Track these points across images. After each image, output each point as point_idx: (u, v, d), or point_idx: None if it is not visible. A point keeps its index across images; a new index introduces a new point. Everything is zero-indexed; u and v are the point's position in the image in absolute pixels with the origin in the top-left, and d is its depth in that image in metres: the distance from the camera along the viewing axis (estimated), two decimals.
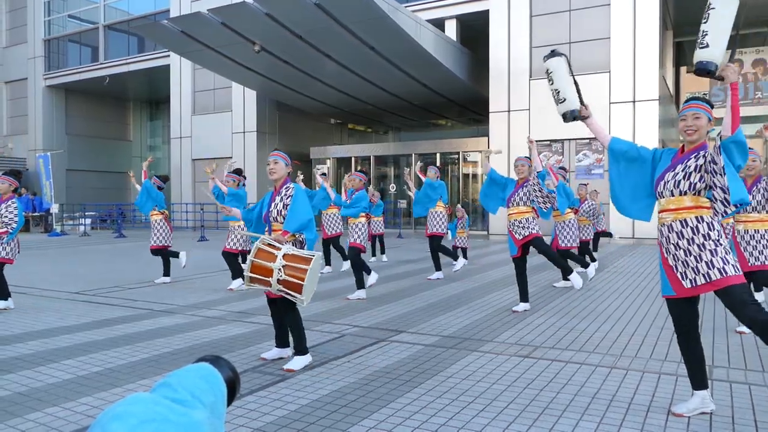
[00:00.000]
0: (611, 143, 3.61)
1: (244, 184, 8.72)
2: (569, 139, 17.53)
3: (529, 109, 17.84)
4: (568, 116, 3.68)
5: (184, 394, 0.83)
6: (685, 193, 3.24)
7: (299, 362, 4.36)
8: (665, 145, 18.73)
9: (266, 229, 4.69)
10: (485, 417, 3.38)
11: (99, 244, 17.16)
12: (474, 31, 19.40)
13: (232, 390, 0.93)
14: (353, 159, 22.79)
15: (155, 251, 8.87)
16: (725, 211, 3.08)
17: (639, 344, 5.03)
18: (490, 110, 18.42)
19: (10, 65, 29.41)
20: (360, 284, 7.43)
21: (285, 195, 4.56)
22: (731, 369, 4.29)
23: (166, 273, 8.94)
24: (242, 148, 23.14)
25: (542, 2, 17.67)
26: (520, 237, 6.43)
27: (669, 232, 3.30)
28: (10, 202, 6.68)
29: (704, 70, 3.02)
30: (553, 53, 3.76)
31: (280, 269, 4.14)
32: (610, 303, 7.03)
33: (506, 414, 3.42)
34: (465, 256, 11.21)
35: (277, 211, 4.56)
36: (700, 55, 3.03)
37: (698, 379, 3.36)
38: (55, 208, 21.77)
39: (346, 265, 9.70)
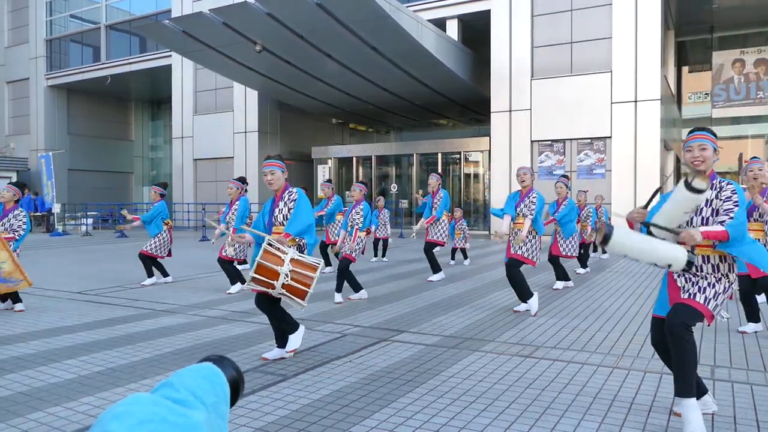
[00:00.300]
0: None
1: (246, 191, 8.55)
2: (570, 139, 17.52)
3: (530, 109, 17.84)
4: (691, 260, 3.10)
5: (185, 394, 0.83)
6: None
7: (295, 339, 4.53)
8: (667, 146, 18.73)
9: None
10: (487, 417, 3.38)
11: (100, 244, 17.18)
12: (475, 31, 19.41)
13: (236, 390, 0.93)
14: (354, 159, 22.79)
15: (144, 257, 8.75)
16: None
17: (641, 344, 5.02)
18: (491, 110, 18.42)
19: (12, 65, 29.45)
20: (356, 288, 7.36)
21: (288, 200, 4.59)
22: (733, 369, 4.29)
23: (164, 274, 8.92)
24: (243, 148, 23.16)
25: (544, 2, 17.67)
26: (512, 252, 6.42)
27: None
28: (17, 211, 6.80)
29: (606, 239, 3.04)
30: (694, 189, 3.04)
31: (287, 274, 4.16)
32: (612, 303, 7.03)
33: (508, 414, 3.42)
34: (465, 257, 11.21)
35: (283, 215, 4.59)
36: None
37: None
38: (56, 208, 21.80)
39: None
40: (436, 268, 8.95)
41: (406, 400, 3.64)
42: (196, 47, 17.31)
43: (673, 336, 3.07)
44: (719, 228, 3.00)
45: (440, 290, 8.01)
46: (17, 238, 6.68)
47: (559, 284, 8.14)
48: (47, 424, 3.32)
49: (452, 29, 19.30)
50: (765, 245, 5.41)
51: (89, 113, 29.51)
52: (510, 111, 18.10)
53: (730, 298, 3.27)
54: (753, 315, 5.46)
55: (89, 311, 6.69)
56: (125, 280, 9.16)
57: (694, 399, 3.07)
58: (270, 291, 4.24)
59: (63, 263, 11.97)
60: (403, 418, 3.37)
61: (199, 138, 24.32)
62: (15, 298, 6.75)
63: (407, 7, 17.32)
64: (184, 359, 4.62)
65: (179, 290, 8.21)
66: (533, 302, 6.30)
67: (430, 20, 17.84)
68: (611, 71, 16.76)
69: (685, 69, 26.87)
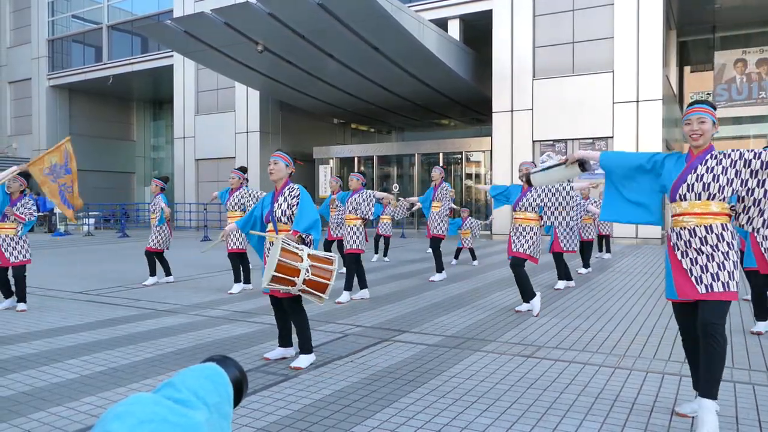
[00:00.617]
0: (602, 161, 3.58)
1: (247, 179, 8.61)
2: (572, 139, 17.51)
3: (532, 109, 17.83)
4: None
5: (186, 394, 0.83)
6: (713, 198, 3.15)
7: (305, 360, 4.43)
8: (669, 146, 18.71)
9: (268, 229, 4.69)
10: (488, 417, 3.37)
11: (102, 244, 17.20)
12: (477, 31, 19.40)
13: (240, 390, 0.93)
14: (356, 159, 22.79)
15: (150, 253, 8.83)
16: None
17: (642, 344, 5.02)
18: (493, 110, 18.41)
19: (14, 65, 29.50)
20: (363, 284, 7.43)
21: (289, 196, 4.58)
22: (735, 369, 4.28)
23: (167, 273, 8.95)
24: (245, 148, 23.18)
25: (545, 2, 17.65)
26: (514, 249, 6.40)
27: (691, 236, 3.20)
28: (25, 200, 6.86)
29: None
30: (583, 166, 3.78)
31: (307, 269, 4.18)
32: (614, 303, 7.02)
33: (509, 414, 3.42)
34: (474, 257, 11.20)
35: (282, 212, 4.57)
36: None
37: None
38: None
39: None
40: (439, 267, 8.97)
41: (407, 400, 3.64)
42: (197, 47, 17.32)
43: (707, 340, 3.08)
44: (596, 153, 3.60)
45: (442, 290, 8.01)
46: (27, 221, 6.75)
47: (561, 284, 8.13)
48: (49, 424, 3.32)
49: (454, 29, 19.30)
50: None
51: (91, 113, 29.55)
52: (512, 111, 18.09)
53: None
54: (763, 313, 5.41)
55: (91, 311, 6.70)
56: (127, 280, 9.17)
57: (715, 402, 3.07)
58: (290, 288, 4.23)
59: (65, 263, 11.98)
60: (404, 418, 3.37)
61: (200, 138, 24.34)
62: (21, 297, 6.76)
63: (409, 6, 17.31)
64: (186, 359, 4.63)
65: (181, 290, 8.21)
66: (536, 302, 6.29)
67: (431, 20, 17.83)
68: (613, 71, 16.75)
69: (687, 69, 26.84)
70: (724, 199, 3.17)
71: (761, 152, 3.11)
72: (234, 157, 23.39)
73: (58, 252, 14.69)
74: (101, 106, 29.92)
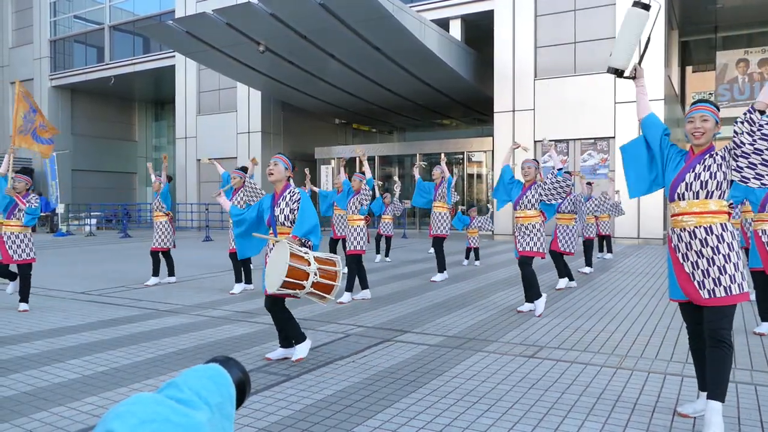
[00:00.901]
0: (648, 116, 3.51)
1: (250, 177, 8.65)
2: (574, 139, 17.50)
3: (533, 109, 17.82)
4: (610, 71, 3.65)
5: (189, 394, 0.83)
6: (711, 196, 3.15)
7: (303, 349, 4.52)
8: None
9: (270, 232, 4.70)
10: (490, 417, 3.37)
11: (104, 244, 17.22)
12: (479, 31, 19.39)
13: (242, 391, 0.93)
14: (357, 159, 22.78)
15: (155, 253, 8.84)
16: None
17: (644, 344, 5.01)
18: (494, 110, 18.40)
19: (16, 66, 29.54)
20: (364, 284, 7.43)
21: (291, 200, 4.59)
22: (737, 369, 4.27)
23: (171, 273, 8.96)
24: (247, 148, 23.18)
25: (547, 2, 17.64)
26: (521, 249, 6.39)
27: (691, 238, 3.18)
28: (31, 196, 6.93)
29: (610, 73, 3.64)
30: (642, 4, 3.56)
31: (315, 272, 4.22)
32: (616, 303, 7.01)
33: (511, 414, 3.42)
34: (477, 257, 11.19)
35: (284, 216, 4.58)
36: (607, 62, 3.67)
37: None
38: (60, 208, 21.86)
39: None
40: (442, 267, 8.96)
41: (409, 401, 3.64)
42: (199, 48, 17.34)
43: (714, 344, 3.08)
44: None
45: (443, 290, 8.01)
46: (28, 207, 6.79)
47: (562, 283, 8.12)
48: (51, 424, 3.33)
49: (455, 29, 19.29)
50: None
51: (93, 114, 29.59)
52: (513, 111, 18.08)
53: None
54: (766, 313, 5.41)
55: (93, 311, 6.70)
56: (129, 280, 9.18)
57: (722, 403, 3.07)
58: (298, 292, 4.26)
59: (67, 263, 12.00)
60: (406, 418, 3.36)
61: (202, 138, 24.35)
62: (24, 297, 6.77)
63: (410, 7, 17.31)
64: (187, 359, 4.63)
65: (183, 290, 8.22)
66: (540, 303, 6.29)
67: (433, 20, 17.83)
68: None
69: (688, 69, 26.80)
70: (722, 195, 3.17)
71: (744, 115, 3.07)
72: (236, 158, 23.39)
73: (60, 252, 14.71)
74: (103, 107, 29.95)
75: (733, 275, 3.11)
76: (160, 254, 8.83)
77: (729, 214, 3.22)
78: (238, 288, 7.99)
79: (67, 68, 28.21)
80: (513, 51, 18.00)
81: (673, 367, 4.31)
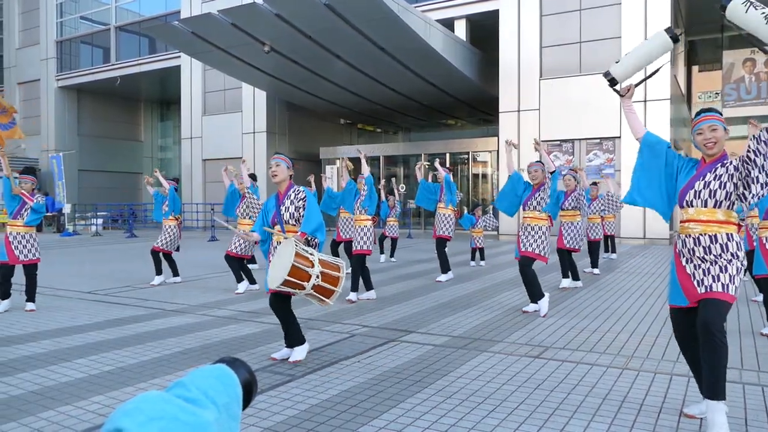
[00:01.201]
0: (646, 135, 3.50)
1: (256, 186, 8.70)
2: (579, 139, 17.45)
3: (539, 109, 17.78)
4: (606, 75, 3.66)
5: (196, 394, 0.84)
6: (719, 205, 3.15)
7: (301, 352, 4.53)
8: (677, 146, 18.60)
9: (276, 229, 4.70)
10: (495, 418, 3.37)
11: (110, 244, 17.29)
12: (484, 31, 19.37)
13: (249, 392, 0.93)
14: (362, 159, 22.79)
15: (155, 253, 8.81)
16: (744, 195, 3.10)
17: (650, 345, 4.99)
18: (499, 110, 18.38)
19: (23, 66, 29.70)
20: (368, 285, 7.42)
21: (296, 198, 4.60)
22: (744, 371, 4.25)
23: (175, 273, 8.99)
24: (252, 148, 23.23)
25: (552, 2, 17.60)
26: (524, 249, 6.37)
27: (695, 245, 3.19)
28: (38, 196, 7.01)
29: (604, 77, 3.68)
30: (671, 34, 3.53)
31: (318, 275, 4.22)
32: (621, 303, 6.99)
33: (516, 415, 3.41)
34: (483, 257, 11.18)
35: (289, 214, 4.60)
36: (610, 67, 3.66)
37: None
38: (67, 208, 21.95)
39: None
40: (445, 267, 8.94)
41: (414, 401, 3.64)
42: (204, 48, 17.39)
43: (707, 338, 3.05)
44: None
45: (449, 290, 8.00)
46: (35, 203, 6.83)
47: (566, 282, 8.10)
48: (58, 423, 3.34)
49: (460, 29, 19.28)
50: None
51: (99, 114, 29.71)
52: (518, 111, 18.05)
53: None
54: None
55: (99, 311, 6.73)
56: (135, 280, 9.21)
57: (723, 402, 3.05)
58: (297, 291, 4.26)
59: (73, 263, 12.05)
60: (411, 418, 3.36)
61: (208, 139, 24.42)
62: (30, 296, 6.80)
63: (415, 7, 17.31)
64: (193, 359, 4.65)
65: (188, 290, 8.24)
66: (543, 303, 6.27)
67: (438, 20, 17.82)
68: None
69: (695, 68, 26.68)
70: (731, 206, 3.16)
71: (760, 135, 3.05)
72: (241, 158, 23.44)
73: (67, 252, 14.77)
74: (109, 107, 30.08)
75: (733, 277, 3.12)
76: (160, 254, 8.84)
77: (738, 225, 3.21)
78: (243, 287, 8.01)
79: (73, 69, 28.34)
80: (518, 51, 17.98)
81: (679, 368, 4.30)
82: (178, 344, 5.12)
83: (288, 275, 4.14)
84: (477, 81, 18.96)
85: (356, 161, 8.63)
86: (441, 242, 9.02)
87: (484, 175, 21.41)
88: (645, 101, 16.41)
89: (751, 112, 23.46)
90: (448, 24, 18.75)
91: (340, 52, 16.77)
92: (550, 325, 5.77)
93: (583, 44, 17.32)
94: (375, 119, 26.48)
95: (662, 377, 4.09)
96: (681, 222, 3.30)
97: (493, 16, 18.50)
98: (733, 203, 3.17)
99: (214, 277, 9.56)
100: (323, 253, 4.49)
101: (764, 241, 5.29)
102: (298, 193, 4.63)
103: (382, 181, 13.47)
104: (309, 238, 4.52)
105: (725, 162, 3.20)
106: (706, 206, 3.18)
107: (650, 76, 3.76)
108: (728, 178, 3.14)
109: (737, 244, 3.17)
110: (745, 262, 3.26)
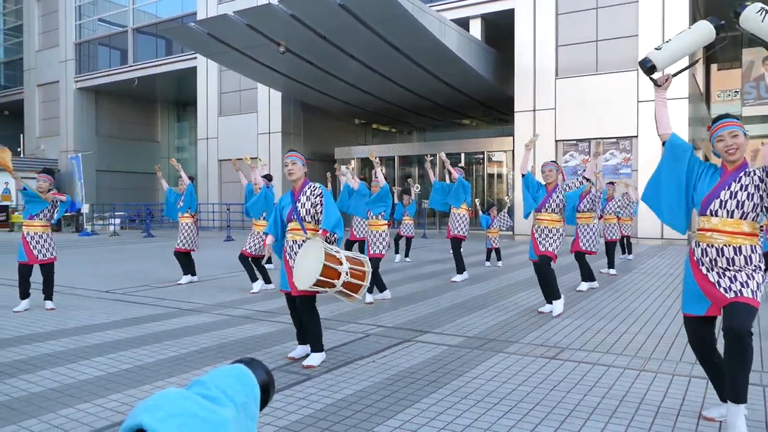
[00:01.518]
0: (672, 137, 3.35)
1: (271, 186, 8.74)
2: (596, 138, 17.32)
3: (555, 109, 17.67)
4: (645, 62, 3.39)
5: (215, 392, 0.85)
6: (745, 217, 3.08)
7: (317, 359, 4.48)
8: (695, 145, 18.38)
9: (292, 227, 4.69)
10: (511, 419, 3.35)
11: (128, 244, 17.47)
12: (499, 30, 19.29)
13: (267, 392, 0.94)
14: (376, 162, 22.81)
15: (179, 254, 8.95)
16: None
17: (668, 346, 4.94)
18: (515, 110, 18.29)
19: (42, 68, 30.11)
20: (381, 287, 7.40)
21: (312, 195, 4.60)
22: (764, 373, 4.19)
23: (192, 273, 9.06)
24: (267, 148, 23.35)
25: (568, 0, 17.48)
26: (543, 249, 6.32)
27: (718, 255, 3.12)
28: (57, 196, 7.10)
29: (641, 64, 3.40)
30: (718, 25, 3.39)
31: (347, 272, 4.25)
32: (639, 304, 6.93)
33: (532, 416, 3.39)
34: (499, 257, 11.12)
35: (305, 210, 4.59)
36: (648, 53, 3.40)
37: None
38: (85, 208, 22.23)
39: None
40: (460, 267, 8.92)
41: (429, 401, 3.64)
42: (220, 49, 17.51)
43: (737, 342, 2.97)
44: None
45: (464, 291, 7.98)
46: (62, 201, 7.01)
47: (584, 285, 8.04)
48: (77, 420, 3.39)
49: (476, 29, 19.22)
50: None
51: (116, 115, 30.05)
52: (534, 110, 17.95)
53: None
54: None
55: (117, 310, 6.81)
56: (152, 279, 9.30)
57: (744, 405, 3.01)
58: (327, 290, 4.28)
59: (92, 262, 12.20)
60: (426, 419, 3.36)
61: (223, 139, 24.59)
62: (48, 294, 6.90)
63: (430, 6, 17.28)
64: (209, 358, 4.68)
65: (205, 289, 8.30)
66: (558, 304, 6.23)
67: (453, 20, 17.77)
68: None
69: (713, 67, 26.34)
70: (756, 218, 3.11)
71: None
72: (257, 158, 23.58)
73: (85, 251, 14.96)
74: (126, 108, 30.40)
75: (759, 285, 3.08)
76: (183, 255, 8.93)
77: (758, 236, 3.15)
78: (257, 286, 8.05)
79: (91, 70, 28.69)
80: (534, 50, 17.88)
81: (698, 370, 4.24)
82: (195, 343, 5.16)
83: (320, 275, 4.16)
84: (492, 80, 18.89)
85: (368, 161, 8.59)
86: (456, 242, 8.99)
87: (500, 175, 21.32)
88: None
89: None
90: (463, 23, 18.70)
91: (354, 51, 16.79)
92: (566, 326, 5.74)
93: (599, 43, 17.18)
94: (389, 119, 26.48)
95: (680, 379, 4.05)
96: (701, 230, 3.19)
97: (508, 16, 18.41)
98: (758, 215, 3.11)
99: (229, 277, 9.63)
100: (347, 251, 4.52)
101: None
102: (314, 189, 4.63)
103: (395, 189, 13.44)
104: (329, 235, 4.52)
105: (748, 171, 3.13)
106: (732, 217, 3.09)
107: (690, 66, 3.63)
108: (755, 189, 3.07)
109: (759, 256, 3.13)
110: (765, 272, 3.21)
